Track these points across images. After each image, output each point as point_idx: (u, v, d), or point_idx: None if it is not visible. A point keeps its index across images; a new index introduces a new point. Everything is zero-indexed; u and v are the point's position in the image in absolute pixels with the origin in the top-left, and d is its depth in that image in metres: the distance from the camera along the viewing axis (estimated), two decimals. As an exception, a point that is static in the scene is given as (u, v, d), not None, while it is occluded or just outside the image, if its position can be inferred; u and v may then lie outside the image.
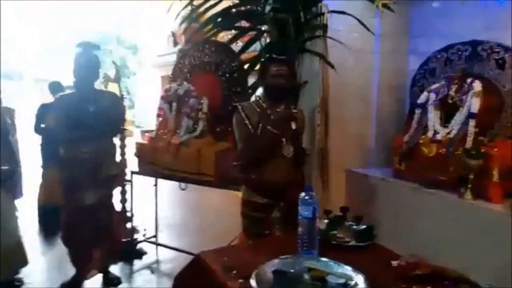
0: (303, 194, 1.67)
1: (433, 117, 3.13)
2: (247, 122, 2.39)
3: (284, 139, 2.40)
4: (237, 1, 3.52)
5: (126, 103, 4.39)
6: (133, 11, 16.35)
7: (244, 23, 3.67)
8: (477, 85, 2.90)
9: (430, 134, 3.09)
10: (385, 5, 3.17)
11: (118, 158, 3.58)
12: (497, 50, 3.02)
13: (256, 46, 3.46)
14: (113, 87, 3.98)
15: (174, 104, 3.70)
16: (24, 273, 3.48)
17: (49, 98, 4.92)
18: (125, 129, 3.94)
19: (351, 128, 3.76)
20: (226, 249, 1.88)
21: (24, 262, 3.38)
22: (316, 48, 3.30)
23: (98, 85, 3.71)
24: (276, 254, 1.60)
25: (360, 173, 3.67)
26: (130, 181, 3.97)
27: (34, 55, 20.30)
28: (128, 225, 4.08)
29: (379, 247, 1.85)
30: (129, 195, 4.04)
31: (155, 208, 4.30)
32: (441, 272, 1.31)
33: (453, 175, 2.84)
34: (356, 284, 1.39)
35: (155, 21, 13.33)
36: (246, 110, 2.42)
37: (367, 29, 3.19)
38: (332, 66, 3.23)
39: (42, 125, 4.78)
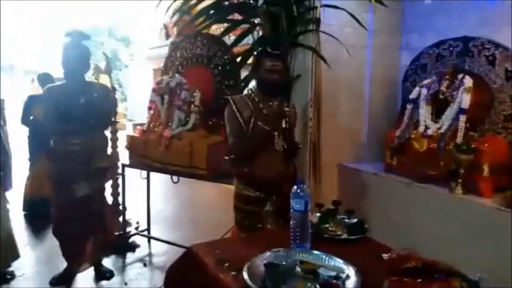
0: (295, 187, 1.68)
1: (424, 112, 3.15)
2: (238, 116, 2.38)
3: (276, 133, 2.40)
4: (230, -7, 3.50)
5: (118, 95, 4.37)
6: (125, 3, 16.21)
7: (237, 16, 3.65)
8: (468, 81, 2.93)
9: (421, 129, 3.11)
10: (378, 0, 3.18)
11: (109, 151, 3.56)
12: (487, 46, 3.04)
13: (249, 39, 3.45)
14: (104, 80, 3.94)
15: (166, 97, 3.68)
16: (16, 266, 3.46)
17: (39, 90, 4.87)
18: (116, 122, 3.92)
19: (344, 123, 3.77)
20: (218, 242, 1.89)
21: (15, 255, 3.37)
22: (309, 43, 3.30)
23: (89, 77, 3.68)
24: (269, 247, 1.61)
25: (352, 168, 3.68)
26: (122, 174, 3.96)
27: (24, 46, 20.07)
28: (121, 218, 4.06)
29: (371, 241, 1.87)
30: (121, 188, 4.03)
31: (147, 201, 4.29)
32: (432, 265, 1.32)
33: (444, 170, 2.86)
34: (347, 276, 1.41)
35: (147, 13, 13.22)
36: (237, 104, 2.41)
37: (360, 24, 3.19)
38: (325, 61, 3.24)
39: (31, 117, 4.73)
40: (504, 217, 2.43)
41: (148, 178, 4.14)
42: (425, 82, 3.24)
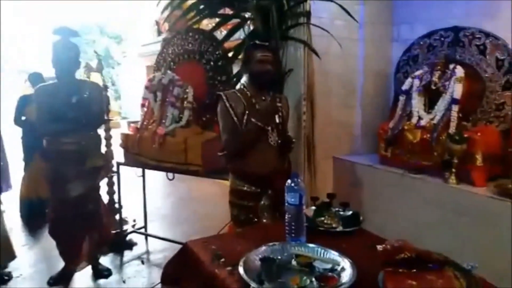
0: (289, 181, 1.69)
1: (417, 103, 3.16)
2: (231, 112, 2.37)
3: (269, 128, 2.40)
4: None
5: (111, 93, 4.34)
6: (116, 1, 16.10)
7: (228, 11, 3.63)
8: (459, 71, 2.94)
9: (414, 120, 3.12)
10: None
11: (104, 149, 3.55)
12: (478, 36, 3.05)
13: (240, 34, 3.44)
14: (96, 78, 3.91)
15: (158, 94, 3.67)
16: (12, 267, 3.46)
17: (32, 90, 4.84)
18: (109, 120, 3.91)
19: (337, 116, 3.78)
20: (214, 238, 1.89)
21: (11, 256, 3.36)
22: (300, 36, 3.30)
23: (81, 75, 3.65)
24: (264, 241, 1.62)
25: (346, 160, 3.70)
26: (117, 172, 3.95)
27: (16, 46, 19.90)
28: (117, 216, 4.06)
29: (366, 232, 1.89)
30: (117, 187, 4.02)
31: (143, 199, 4.29)
32: (426, 255, 1.33)
33: (437, 160, 2.88)
34: (343, 268, 1.42)
35: (139, 10, 13.13)
36: (230, 99, 2.39)
37: (351, 16, 3.19)
38: (316, 54, 3.24)
39: (23, 117, 4.70)
40: (497, 206, 2.45)
41: (143, 175, 4.13)
42: (417, 73, 3.25)
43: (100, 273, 3.40)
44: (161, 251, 3.95)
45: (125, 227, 4.18)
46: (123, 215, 4.18)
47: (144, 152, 3.61)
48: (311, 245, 1.60)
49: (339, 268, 1.43)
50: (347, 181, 3.62)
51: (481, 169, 2.71)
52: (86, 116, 3.00)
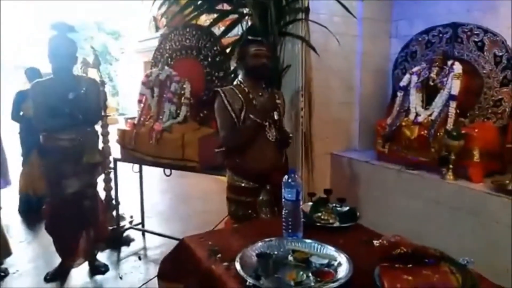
0: (286, 177, 1.68)
1: (415, 99, 3.16)
2: (229, 108, 2.37)
3: (267, 124, 2.40)
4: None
5: (109, 90, 4.32)
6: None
7: (225, 7, 3.62)
8: (458, 67, 2.94)
9: (412, 116, 3.12)
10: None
11: (101, 145, 3.54)
12: (476, 32, 3.05)
13: (238, 30, 3.42)
14: (93, 74, 3.89)
15: (156, 90, 3.66)
16: (9, 263, 3.45)
17: (28, 85, 4.81)
18: (107, 116, 3.89)
19: (335, 112, 3.78)
20: (210, 234, 1.89)
21: (7, 252, 3.35)
22: (298, 32, 3.29)
23: (78, 71, 3.63)
24: (261, 237, 1.62)
25: (344, 156, 3.70)
26: (114, 168, 3.94)
27: (13, 42, 19.82)
28: (114, 212, 4.06)
29: (362, 228, 1.89)
30: (114, 183, 4.01)
31: (141, 195, 4.28)
32: (422, 250, 1.33)
33: (434, 156, 2.88)
34: (339, 264, 1.42)
35: (137, 6, 13.09)
36: (228, 95, 2.39)
37: (349, 12, 3.18)
38: (315, 50, 3.23)
39: (21, 113, 4.69)
40: (494, 202, 2.46)
41: (140, 172, 4.13)
42: (415, 69, 3.25)
43: (97, 269, 3.39)
44: (158, 247, 3.95)
45: (122, 223, 4.18)
46: (120, 211, 4.18)
47: (141, 148, 3.60)
48: (308, 240, 1.60)
49: (335, 264, 1.43)
50: (344, 177, 3.62)
51: (478, 165, 2.72)
52: (83, 112, 2.98)
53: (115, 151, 3.96)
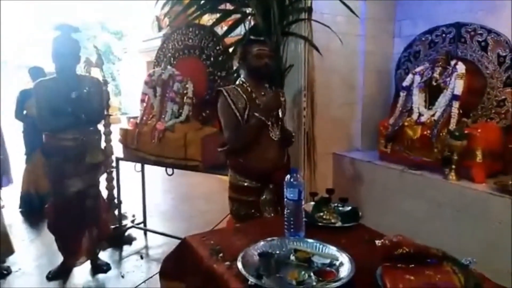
0: (288, 177, 1.68)
1: (418, 99, 3.16)
2: (233, 108, 2.36)
3: (270, 123, 2.40)
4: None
5: (111, 89, 4.33)
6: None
7: (228, 6, 3.61)
8: (461, 67, 2.93)
9: (414, 116, 3.12)
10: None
11: (103, 144, 3.54)
12: (480, 32, 3.04)
13: (241, 30, 3.42)
14: (97, 73, 3.90)
15: (158, 89, 3.66)
16: (11, 262, 3.46)
17: (32, 84, 4.83)
18: (109, 115, 3.90)
19: (337, 112, 3.78)
20: (212, 233, 1.89)
21: (10, 250, 3.36)
22: (301, 32, 3.28)
23: (81, 70, 3.64)
24: (263, 236, 1.61)
25: (346, 156, 3.69)
26: (116, 167, 3.95)
27: (16, 42, 19.87)
28: (116, 211, 4.06)
29: (364, 228, 1.88)
30: (116, 182, 4.02)
31: (143, 194, 4.29)
32: (424, 250, 1.33)
33: (437, 157, 2.88)
34: (341, 263, 1.41)
35: (140, 6, 13.10)
36: (231, 95, 2.39)
37: (352, 12, 3.17)
38: (317, 49, 3.22)
39: (24, 112, 4.70)
40: (497, 202, 2.45)
41: (142, 171, 4.13)
42: (418, 69, 3.24)
43: (99, 267, 3.40)
44: (160, 246, 3.95)
45: (124, 222, 4.19)
46: (122, 210, 4.19)
47: (143, 147, 3.61)
48: (310, 240, 1.59)
49: (337, 263, 1.42)
50: (347, 177, 3.62)
51: (481, 166, 2.71)
52: (85, 111, 2.99)
53: (118, 150, 3.97)
